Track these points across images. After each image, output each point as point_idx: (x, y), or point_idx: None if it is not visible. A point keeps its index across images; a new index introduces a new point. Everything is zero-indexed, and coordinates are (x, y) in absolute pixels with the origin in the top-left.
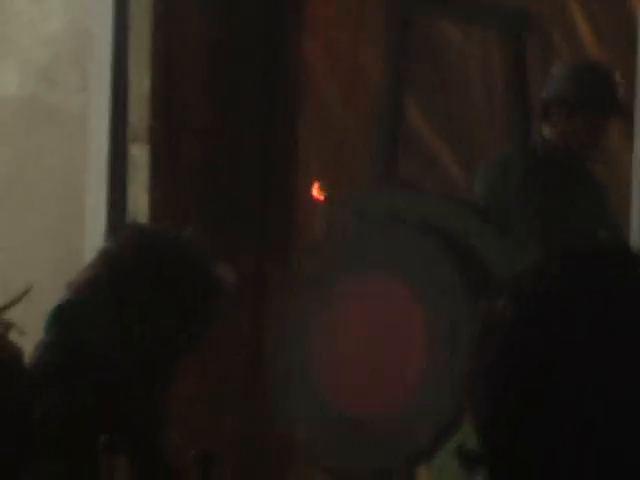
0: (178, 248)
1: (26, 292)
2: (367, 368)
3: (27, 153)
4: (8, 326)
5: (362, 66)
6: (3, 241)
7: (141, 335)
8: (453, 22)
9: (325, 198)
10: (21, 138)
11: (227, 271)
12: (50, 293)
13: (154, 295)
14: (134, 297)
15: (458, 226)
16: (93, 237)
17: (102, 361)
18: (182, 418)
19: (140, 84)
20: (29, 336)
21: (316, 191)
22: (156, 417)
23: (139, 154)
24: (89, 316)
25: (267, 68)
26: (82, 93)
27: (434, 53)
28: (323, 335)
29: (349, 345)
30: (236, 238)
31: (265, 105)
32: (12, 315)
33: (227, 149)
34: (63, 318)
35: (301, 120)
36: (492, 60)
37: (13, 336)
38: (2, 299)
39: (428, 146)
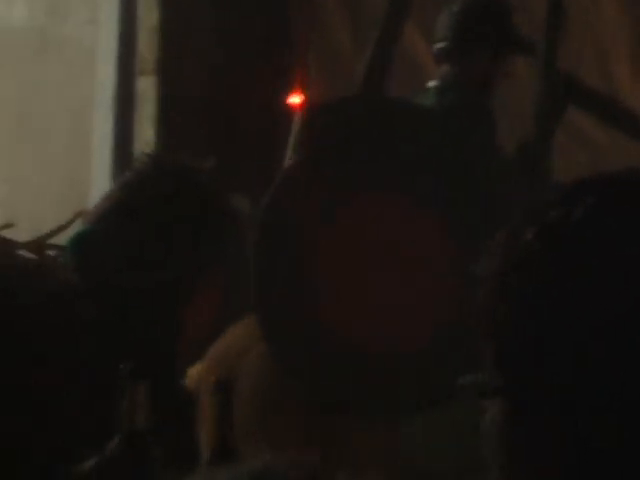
0: (196, 177)
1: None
2: (378, 301)
3: (36, 84)
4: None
5: None
6: (10, 171)
7: (160, 261)
8: None
9: (305, 106)
10: (30, 69)
11: (242, 201)
12: (55, 224)
13: (172, 223)
14: (153, 224)
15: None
16: (99, 169)
17: (121, 288)
18: (199, 345)
19: (149, 17)
20: None
21: (297, 99)
22: (173, 344)
23: (147, 87)
24: (108, 244)
25: (276, 2)
26: (91, 25)
27: None
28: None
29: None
30: (241, 174)
31: (274, 39)
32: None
33: (235, 83)
34: (82, 246)
35: (310, 54)
36: None
37: None
38: (10, 232)
39: (425, 68)
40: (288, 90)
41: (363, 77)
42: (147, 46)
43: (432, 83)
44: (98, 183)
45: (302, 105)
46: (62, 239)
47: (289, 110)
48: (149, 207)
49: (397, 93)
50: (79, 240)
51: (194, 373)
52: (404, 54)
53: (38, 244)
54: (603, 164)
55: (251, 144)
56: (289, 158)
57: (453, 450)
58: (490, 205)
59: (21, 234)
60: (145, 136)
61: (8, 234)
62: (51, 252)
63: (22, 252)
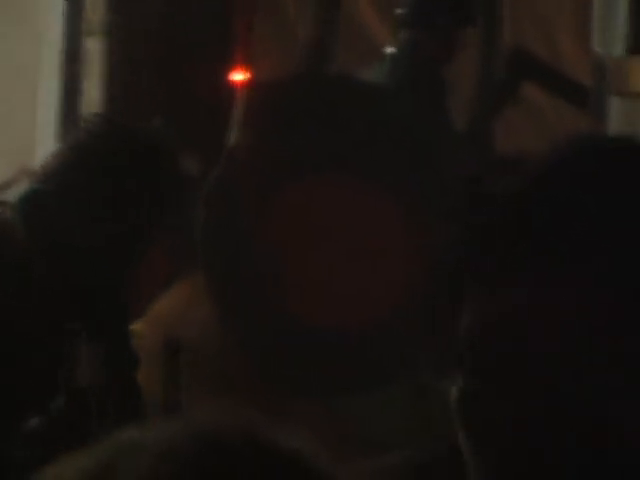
0: (147, 138)
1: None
2: (326, 276)
3: None
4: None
5: None
6: None
7: (109, 222)
8: None
9: (249, 84)
10: None
11: (194, 163)
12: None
13: (122, 183)
14: (102, 185)
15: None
16: (44, 127)
17: (70, 248)
18: (147, 306)
19: None
20: None
21: (240, 75)
22: (122, 304)
23: (94, 47)
24: (59, 202)
25: None
26: None
27: None
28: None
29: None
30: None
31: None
32: None
33: (182, 42)
34: (32, 204)
35: (256, 12)
36: None
37: None
38: None
39: (373, 37)
40: (232, 63)
41: (308, 50)
42: (93, 6)
43: (389, 49)
44: (43, 141)
45: (245, 82)
46: (5, 196)
47: (232, 86)
48: (99, 165)
49: (345, 60)
50: (29, 198)
51: (138, 330)
52: (350, 21)
53: None
54: (547, 131)
55: (198, 110)
56: (233, 136)
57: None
58: (441, 179)
59: None
60: (92, 96)
61: None
62: None
63: None
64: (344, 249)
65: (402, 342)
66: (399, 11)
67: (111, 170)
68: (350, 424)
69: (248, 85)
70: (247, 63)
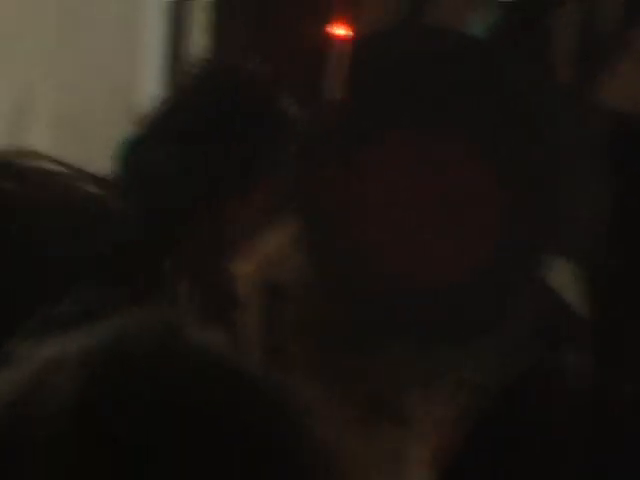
0: (251, 76)
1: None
2: (422, 236)
3: None
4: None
5: None
6: (60, 77)
7: (209, 162)
8: None
9: (347, 35)
10: None
11: (295, 107)
12: (104, 126)
13: (224, 125)
14: (203, 125)
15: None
16: (148, 75)
17: (169, 186)
18: (247, 244)
19: None
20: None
21: (337, 28)
22: (220, 243)
23: None
24: (159, 147)
25: None
26: None
27: None
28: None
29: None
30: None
31: None
32: (66, 149)
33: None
34: (136, 150)
35: None
36: None
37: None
38: (57, 139)
39: None
40: (330, 17)
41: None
42: None
43: None
44: (148, 89)
45: (344, 36)
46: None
47: (331, 39)
48: (204, 107)
49: (448, 8)
50: (131, 145)
51: (237, 271)
52: None
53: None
54: None
55: (297, 61)
56: (330, 89)
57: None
58: (538, 142)
59: (70, 144)
60: (197, 43)
61: (60, 144)
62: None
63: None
64: (435, 202)
65: (492, 296)
66: None
67: (217, 107)
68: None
69: (347, 38)
70: (346, 16)
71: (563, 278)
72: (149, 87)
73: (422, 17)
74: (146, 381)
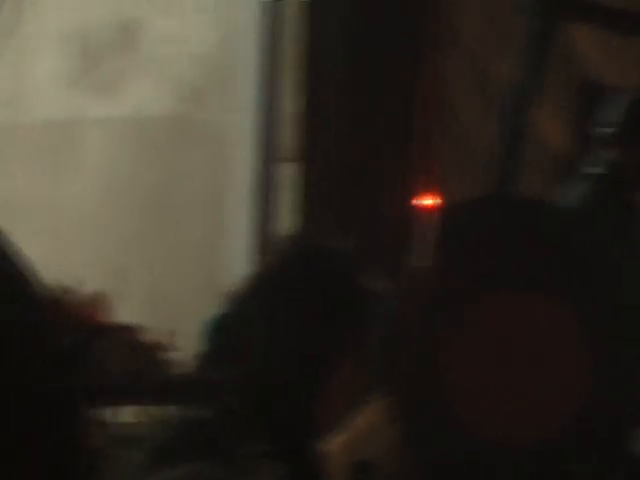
0: (337, 261)
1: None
2: (514, 395)
3: (175, 172)
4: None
5: (502, 78)
6: (149, 258)
7: (301, 343)
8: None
9: (434, 205)
10: (169, 157)
11: (381, 282)
12: (193, 311)
13: (313, 304)
14: (294, 306)
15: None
16: (233, 257)
17: (262, 368)
18: (335, 425)
19: (290, 104)
20: (182, 350)
21: (427, 200)
22: (312, 424)
23: (287, 174)
24: (249, 325)
25: (407, 81)
26: (229, 112)
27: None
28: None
29: (491, 369)
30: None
31: (405, 119)
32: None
33: (372, 168)
34: (223, 327)
35: (435, 131)
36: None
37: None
38: (149, 315)
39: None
40: (416, 188)
41: (498, 171)
42: (287, 133)
43: (585, 168)
44: (233, 269)
45: (431, 206)
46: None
47: (417, 211)
48: (291, 288)
49: (531, 180)
50: (221, 322)
51: (329, 451)
52: (535, 137)
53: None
54: None
55: (385, 235)
56: (415, 258)
57: None
58: (632, 313)
59: (163, 322)
60: (286, 223)
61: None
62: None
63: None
64: (522, 369)
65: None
66: (600, 129)
67: (300, 293)
68: None
69: (434, 208)
70: (432, 186)
71: None
72: (238, 265)
73: (510, 185)
74: None
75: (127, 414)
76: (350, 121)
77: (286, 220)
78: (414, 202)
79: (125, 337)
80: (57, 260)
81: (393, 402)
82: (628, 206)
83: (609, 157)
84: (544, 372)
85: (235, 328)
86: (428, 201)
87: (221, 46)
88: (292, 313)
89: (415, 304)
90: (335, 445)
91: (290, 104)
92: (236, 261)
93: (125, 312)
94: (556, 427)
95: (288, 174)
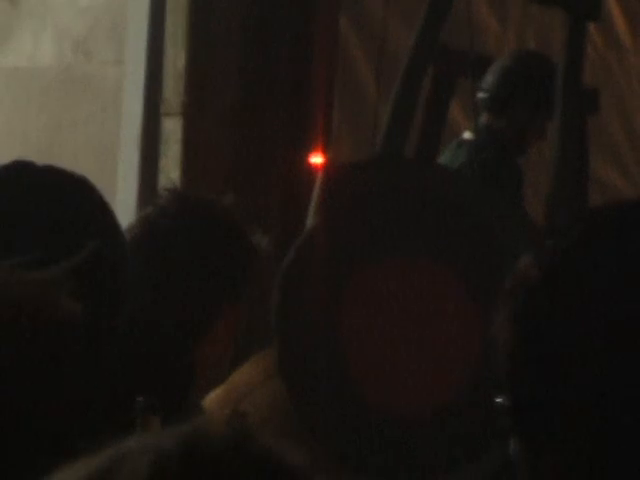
0: (215, 212)
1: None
2: (406, 361)
3: (62, 123)
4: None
5: (394, 41)
6: None
7: (177, 297)
8: None
9: (326, 167)
10: (56, 108)
11: (262, 239)
12: None
13: (192, 258)
14: (172, 260)
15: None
16: (124, 210)
17: (138, 321)
18: (209, 380)
19: (175, 59)
20: None
21: (319, 158)
22: (187, 379)
23: (172, 128)
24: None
25: (300, 41)
26: (117, 65)
27: (460, 31)
28: (349, 327)
29: (382, 337)
30: (262, 220)
31: (298, 80)
32: None
33: (258, 126)
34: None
35: (334, 94)
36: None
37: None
38: None
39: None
40: (310, 146)
41: (385, 132)
42: (172, 88)
43: (467, 135)
44: (123, 221)
45: (323, 166)
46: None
47: (311, 169)
48: (168, 241)
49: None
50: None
51: (206, 404)
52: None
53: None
54: None
55: (273, 193)
56: (310, 219)
57: None
58: (502, 264)
59: None
60: (170, 176)
61: None
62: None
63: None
64: (410, 331)
65: (471, 423)
66: (480, 95)
67: (179, 245)
68: None
69: (325, 168)
70: (325, 146)
71: None
72: (125, 220)
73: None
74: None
75: None
76: (241, 75)
77: (173, 174)
78: (306, 159)
79: None
80: None
81: (280, 359)
82: (510, 170)
83: (487, 122)
84: (437, 338)
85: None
86: (318, 159)
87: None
88: (173, 265)
89: (307, 264)
90: (214, 398)
91: (179, 57)
92: (125, 214)
93: None
94: (450, 394)
95: (176, 127)
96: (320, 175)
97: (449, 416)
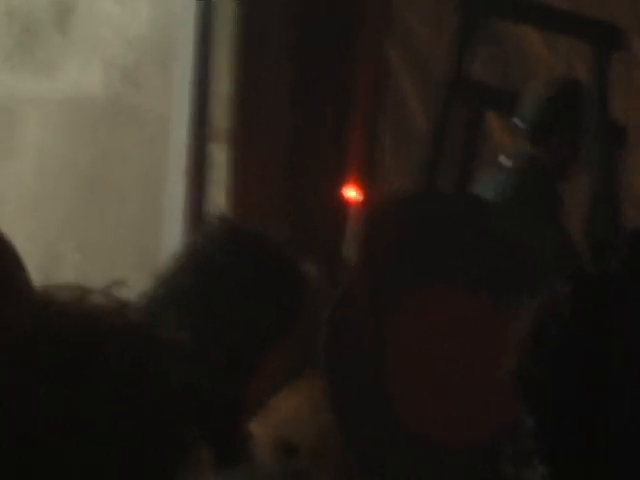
0: (266, 244)
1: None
2: (448, 390)
3: (110, 153)
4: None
5: (441, 66)
6: (83, 238)
7: (229, 328)
8: (531, 26)
9: (362, 200)
10: (105, 138)
11: (312, 269)
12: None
13: (242, 289)
14: (222, 290)
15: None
16: (169, 238)
17: (189, 353)
18: (261, 410)
19: (222, 85)
20: None
21: (351, 192)
22: (238, 409)
23: (219, 155)
24: (176, 307)
25: (347, 66)
26: (164, 94)
27: (511, 60)
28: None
29: (424, 366)
30: (310, 242)
31: (345, 105)
32: None
33: (307, 150)
34: (149, 310)
35: (380, 119)
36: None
37: None
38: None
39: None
40: (349, 178)
41: (424, 165)
42: (219, 115)
43: (505, 161)
44: (170, 250)
45: (358, 200)
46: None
47: (343, 202)
48: (220, 273)
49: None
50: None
51: (256, 432)
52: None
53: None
54: None
55: (320, 222)
56: (349, 253)
57: None
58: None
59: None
60: (217, 204)
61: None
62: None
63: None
64: (459, 364)
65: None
66: (516, 122)
67: (227, 275)
68: None
69: (361, 203)
70: (361, 179)
71: None
72: (172, 248)
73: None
74: None
75: None
76: (289, 102)
77: (219, 202)
78: (345, 193)
79: None
80: None
81: (329, 390)
82: (551, 198)
83: (527, 151)
84: (483, 368)
85: (161, 309)
86: (357, 193)
87: (157, 27)
88: (223, 296)
89: (353, 299)
90: (262, 427)
91: (226, 86)
92: (172, 243)
93: None
94: (494, 426)
95: (223, 155)
96: (355, 209)
97: (483, 450)
